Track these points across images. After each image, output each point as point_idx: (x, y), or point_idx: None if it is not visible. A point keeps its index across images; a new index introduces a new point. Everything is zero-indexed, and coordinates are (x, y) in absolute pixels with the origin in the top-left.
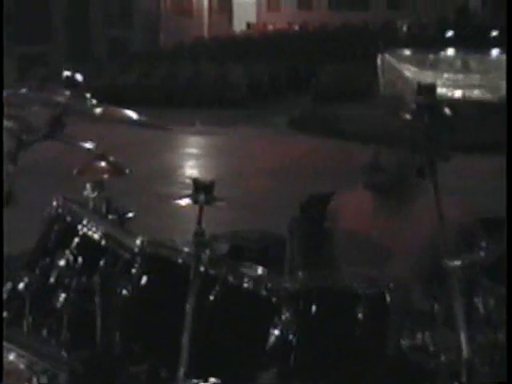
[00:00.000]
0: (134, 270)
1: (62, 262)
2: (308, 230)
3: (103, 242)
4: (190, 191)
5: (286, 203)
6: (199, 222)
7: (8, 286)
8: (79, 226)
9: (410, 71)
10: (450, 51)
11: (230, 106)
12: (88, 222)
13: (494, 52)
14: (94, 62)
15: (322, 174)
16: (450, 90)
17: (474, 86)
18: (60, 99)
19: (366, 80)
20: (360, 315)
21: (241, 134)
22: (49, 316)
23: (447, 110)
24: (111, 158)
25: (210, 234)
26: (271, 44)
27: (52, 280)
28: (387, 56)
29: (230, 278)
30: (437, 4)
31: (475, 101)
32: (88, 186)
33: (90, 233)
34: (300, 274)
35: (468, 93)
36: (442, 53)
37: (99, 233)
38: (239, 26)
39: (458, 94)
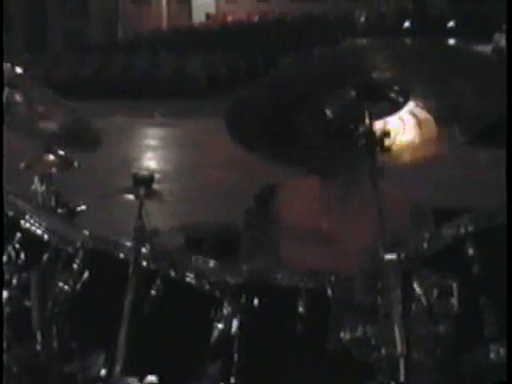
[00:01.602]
0: (75, 266)
1: (3, 258)
2: (262, 221)
3: (45, 237)
4: None
5: (245, 195)
6: (139, 216)
7: None
8: (21, 221)
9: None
10: (407, 41)
11: (189, 98)
12: (30, 216)
13: (451, 42)
14: (51, 53)
15: (280, 165)
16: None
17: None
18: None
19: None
20: (301, 309)
21: (199, 125)
22: None
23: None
24: (60, 151)
25: (167, 226)
26: (230, 35)
27: None
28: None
29: (172, 273)
30: None
31: None
32: (35, 179)
33: (32, 228)
34: (244, 267)
35: None
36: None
37: (42, 228)
38: (198, 16)
39: None
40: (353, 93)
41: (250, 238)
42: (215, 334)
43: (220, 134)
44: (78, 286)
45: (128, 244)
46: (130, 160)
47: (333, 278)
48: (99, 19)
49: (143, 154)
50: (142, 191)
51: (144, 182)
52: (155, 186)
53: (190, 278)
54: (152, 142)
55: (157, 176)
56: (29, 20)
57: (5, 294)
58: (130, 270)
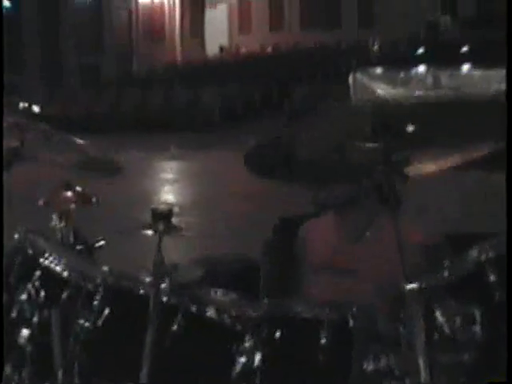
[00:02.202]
0: (95, 302)
1: (23, 296)
2: (280, 253)
3: (65, 274)
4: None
5: (261, 227)
6: (159, 251)
7: None
8: (41, 259)
9: (381, 89)
10: (421, 68)
11: (204, 130)
12: (50, 253)
13: (465, 68)
14: (66, 90)
15: (297, 197)
16: (421, 106)
17: (445, 103)
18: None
19: (339, 99)
20: (323, 341)
21: (215, 157)
22: (11, 352)
23: (407, 129)
24: (77, 187)
25: (185, 260)
26: (244, 66)
27: (14, 315)
28: (359, 75)
29: (193, 308)
30: (407, 21)
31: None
32: (54, 216)
33: (52, 265)
34: (265, 300)
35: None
36: (413, 70)
37: (61, 265)
38: (212, 49)
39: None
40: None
41: (269, 271)
42: (237, 367)
43: (235, 165)
44: (99, 323)
45: (148, 279)
46: (147, 194)
47: (355, 309)
48: (113, 55)
49: (160, 188)
50: (161, 226)
51: (163, 217)
52: (173, 221)
53: (210, 312)
54: (168, 176)
55: (175, 210)
56: (44, 57)
57: (26, 332)
58: (150, 306)
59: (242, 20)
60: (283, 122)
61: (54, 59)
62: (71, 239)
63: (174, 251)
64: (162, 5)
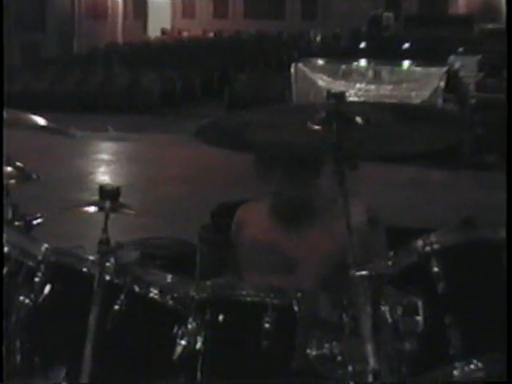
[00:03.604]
0: (36, 279)
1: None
2: (218, 238)
3: (5, 250)
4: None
5: (197, 211)
6: (105, 230)
7: None
8: None
9: (322, 81)
10: (362, 62)
11: (143, 113)
12: None
13: (406, 64)
14: (6, 67)
15: (233, 182)
16: (362, 100)
17: (385, 97)
18: None
19: (280, 88)
20: (267, 326)
21: (153, 140)
22: None
23: (358, 118)
24: (18, 163)
25: (118, 241)
26: (185, 51)
27: None
28: (300, 65)
29: (136, 287)
30: (350, 16)
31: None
32: None
33: None
34: (208, 282)
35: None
36: (355, 63)
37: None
38: (154, 31)
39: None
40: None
41: (206, 255)
42: (179, 349)
43: (173, 149)
44: (40, 300)
45: (91, 258)
46: (84, 174)
47: (299, 294)
48: (55, 33)
49: (96, 168)
50: (107, 204)
51: (110, 195)
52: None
53: (153, 293)
54: (105, 156)
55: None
56: None
57: None
58: (95, 285)
59: (185, 4)
60: (223, 108)
61: None
62: (10, 215)
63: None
64: None
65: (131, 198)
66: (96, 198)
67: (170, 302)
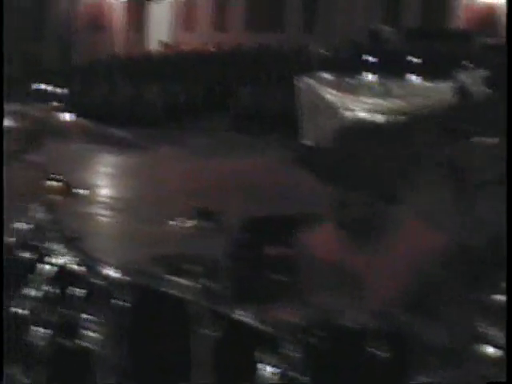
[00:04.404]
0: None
1: (34, 293)
2: (249, 254)
3: (77, 271)
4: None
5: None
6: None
7: None
8: (44, 253)
9: (330, 94)
10: (370, 76)
11: (147, 126)
12: (50, 248)
13: (414, 78)
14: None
15: (239, 196)
16: (371, 114)
17: (394, 111)
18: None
19: (285, 102)
20: (371, 352)
21: (155, 154)
22: (21, 351)
23: None
24: (61, 177)
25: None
26: (187, 64)
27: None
28: (307, 79)
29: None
30: (350, 29)
31: None
32: (37, 207)
33: (58, 261)
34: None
35: (389, 118)
36: (362, 77)
37: (70, 261)
38: (154, 44)
39: (379, 118)
40: None
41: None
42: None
43: (176, 163)
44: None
45: (175, 279)
46: (90, 187)
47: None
48: (55, 44)
49: (97, 181)
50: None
51: (208, 216)
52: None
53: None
54: (105, 169)
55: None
56: None
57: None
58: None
59: (185, 17)
60: (227, 122)
61: None
62: (65, 232)
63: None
64: None
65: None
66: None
67: (261, 326)
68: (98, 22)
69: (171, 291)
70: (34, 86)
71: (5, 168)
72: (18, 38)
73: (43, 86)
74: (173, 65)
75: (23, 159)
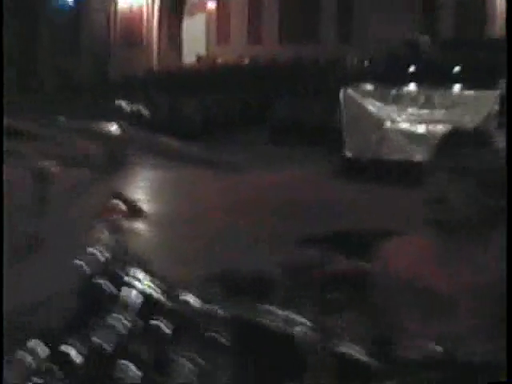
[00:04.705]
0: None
1: (119, 326)
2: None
3: (165, 302)
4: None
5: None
6: None
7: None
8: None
9: (373, 106)
10: (412, 86)
11: (185, 139)
12: (129, 274)
13: (456, 88)
14: (42, 93)
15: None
16: (413, 125)
17: (439, 122)
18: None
19: (323, 114)
20: None
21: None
22: None
23: None
24: (126, 196)
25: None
26: (222, 77)
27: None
28: (349, 91)
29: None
30: (386, 39)
31: None
32: (103, 228)
33: (139, 287)
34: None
35: (432, 127)
36: (405, 88)
37: (150, 287)
38: (189, 58)
39: (421, 129)
40: None
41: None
42: None
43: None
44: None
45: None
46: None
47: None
48: (91, 59)
49: (142, 196)
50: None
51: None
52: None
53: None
54: (147, 184)
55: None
56: (20, 58)
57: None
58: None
59: (219, 30)
60: (264, 135)
61: (29, 61)
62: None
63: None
64: (140, 10)
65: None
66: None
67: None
68: (133, 37)
69: (267, 321)
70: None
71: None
72: (52, 52)
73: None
74: (208, 78)
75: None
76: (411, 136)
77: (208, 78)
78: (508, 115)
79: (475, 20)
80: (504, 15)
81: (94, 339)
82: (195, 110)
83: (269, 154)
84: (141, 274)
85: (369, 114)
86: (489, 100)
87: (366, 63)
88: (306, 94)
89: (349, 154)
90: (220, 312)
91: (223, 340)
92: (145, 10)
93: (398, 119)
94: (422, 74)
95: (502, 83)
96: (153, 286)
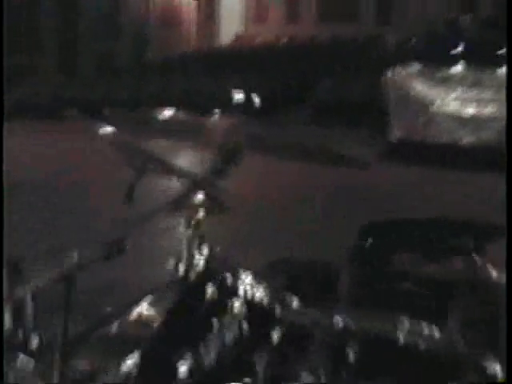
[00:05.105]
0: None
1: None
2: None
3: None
4: None
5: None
6: None
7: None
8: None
9: (420, 86)
10: (461, 67)
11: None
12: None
13: (503, 69)
14: (81, 75)
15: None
16: (462, 106)
17: (487, 102)
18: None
19: (368, 94)
20: None
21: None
22: None
23: None
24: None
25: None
26: (261, 57)
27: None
28: (395, 70)
29: None
30: (426, 19)
31: None
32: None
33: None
34: None
35: (481, 109)
36: (453, 68)
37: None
38: (226, 37)
39: (470, 110)
40: None
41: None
42: None
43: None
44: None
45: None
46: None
47: None
48: (129, 41)
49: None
50: None
51: None
52: None
53: None
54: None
55: None
56: (60, 42)
57: None
58: None
59: (257, 9)
60: (305, 115)
61: (69, 44)
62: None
63: None
64: None
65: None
66: None
67: None
68: (171, 17)
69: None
70: None
71: None
72: (91, 36)
73: None
74: (246, 58)
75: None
76: (459, 118)
77: (246, 57)
78: (508, 116)
79: None
80: None
81: (203, 352)
82: (233, 90)
83: (311, 135)
84: (247, 278)
85: (415, 96)
86: None
87: (408, 43)
88: (346, 73)
89: (395, 137)
90: (340, 322)
91: (349, 353)
92: None
93: (446, 100)
94: (465, 55)
95: None
96: (261, 291)
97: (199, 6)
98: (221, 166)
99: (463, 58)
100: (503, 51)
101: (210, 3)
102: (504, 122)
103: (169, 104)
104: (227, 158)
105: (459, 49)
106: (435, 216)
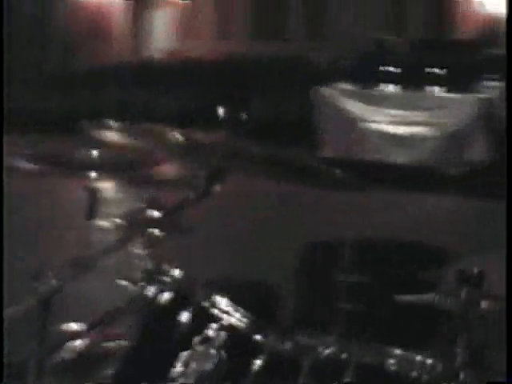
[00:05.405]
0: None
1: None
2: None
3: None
4: None
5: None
6: None
7: None
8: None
9: (352, 106)
10: (391, 87)
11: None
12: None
13: (437, 90)
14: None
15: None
16: (394, 126)
17: (420, 124)
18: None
19: (300, 113)
20: None
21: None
22: None
23: None
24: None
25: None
26: (191, 72)
27: None
28: (327, 89)
29: None
30: (355, 38)
31: None
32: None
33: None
34: None
35: (412, 130)
36: (385, 88)
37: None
38: (156, 51)
39: (401, 130)
40: None
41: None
42: None
43: None
44: None
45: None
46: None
47: None
48: (60, 51)
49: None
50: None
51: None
52: None
53: None
54: None
55: None
56: None
57: None
58: None
59: (188, 25)
60: (240, 131)
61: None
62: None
63: None
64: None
65: None
66: None
67: None
68: (98, 29)
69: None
70: None
71: None
72: (22, 43)
73: None
74: (177, 73)
75: None
76: (390, 137)
77: (176, 72)
78: (508, 116)
79: (440, 21)
80: (480, 14)
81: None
82: (167, 106)
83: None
84: (223, 303)
85: (347, 114)
86: (470, 103)
87: (340, 62)
88: (281, 92)
89: (324, 155)
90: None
91: None
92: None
93: (377, 120)
94: (395, 75)
95: (485, 86)
96: (239, 317)
97: (128, 18)
98: None
99: (393, 79)
100: (433, 70)
101: (139, 16)
102: (437, 142)
103: (97, 116)
104: None
105: (390, 69)
106: (366, 235)
